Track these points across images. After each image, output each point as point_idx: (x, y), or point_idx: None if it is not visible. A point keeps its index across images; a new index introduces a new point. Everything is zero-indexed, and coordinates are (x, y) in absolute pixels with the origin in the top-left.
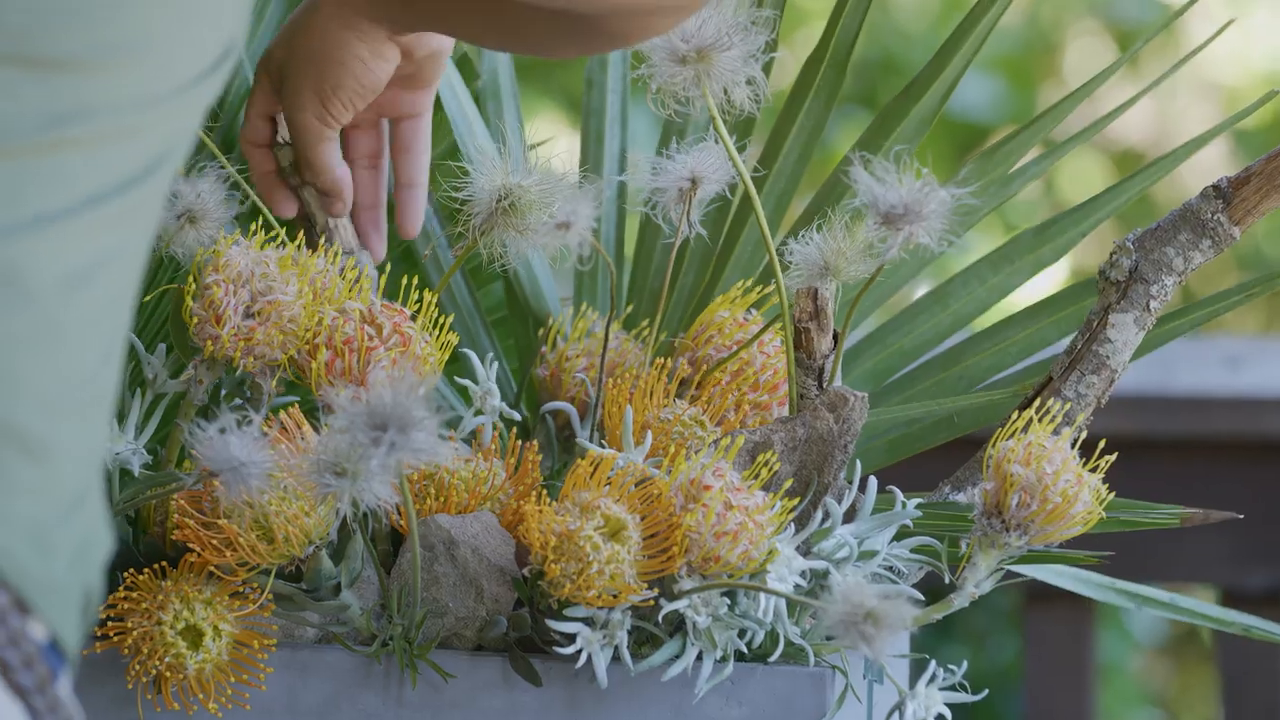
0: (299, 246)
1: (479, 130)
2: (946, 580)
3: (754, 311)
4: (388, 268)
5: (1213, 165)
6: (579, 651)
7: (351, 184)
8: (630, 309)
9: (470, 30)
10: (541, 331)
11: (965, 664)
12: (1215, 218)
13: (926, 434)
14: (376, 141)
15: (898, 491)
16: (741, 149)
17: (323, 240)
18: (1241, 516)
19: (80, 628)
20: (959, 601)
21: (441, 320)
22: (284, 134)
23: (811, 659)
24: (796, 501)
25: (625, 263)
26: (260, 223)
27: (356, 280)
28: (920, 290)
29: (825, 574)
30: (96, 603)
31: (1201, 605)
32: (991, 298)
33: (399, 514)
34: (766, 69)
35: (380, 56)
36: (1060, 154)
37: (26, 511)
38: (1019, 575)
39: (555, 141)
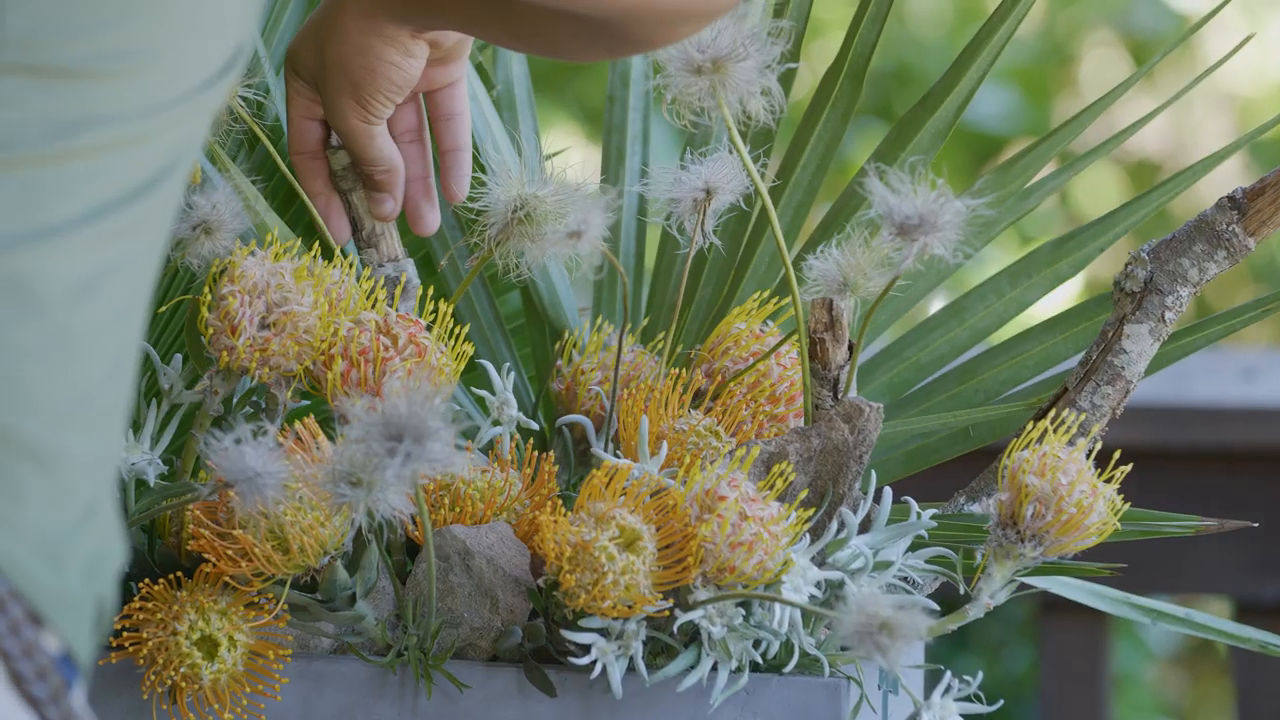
0: (315, 257)
1: (501, 139)
2: (961, 591)
3: (770, 323)
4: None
5: (1228, 176)
6: (594, 662)
7: (404, 174)
8: (648, 321)
9: (490, 32)
10: (558, 345)
11: (980, 674)
12: (1230, 229)
13: (943, 446)
14: (416, 115)
15: (913, 502)
16: (757, 159)
17: (367, 247)
18: (1256, 525)
19: (93, 639)
20: (974, 612)
21: (457, 330)
22: (336, 139)
23: (827, 669)
24: (811, 512)
25: (645, 275)
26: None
27: (378, 290)
28: (937, 304)
29: (840, 584)
30: (109, 614)
31: (1217, 621)
32: (1009, 312)
33: (414, 524)
34: (788, 81)
35: (410, 55)
36: (1078, 169)
37: (37, 523)
38: (1034, 586)
39: (571, 152)
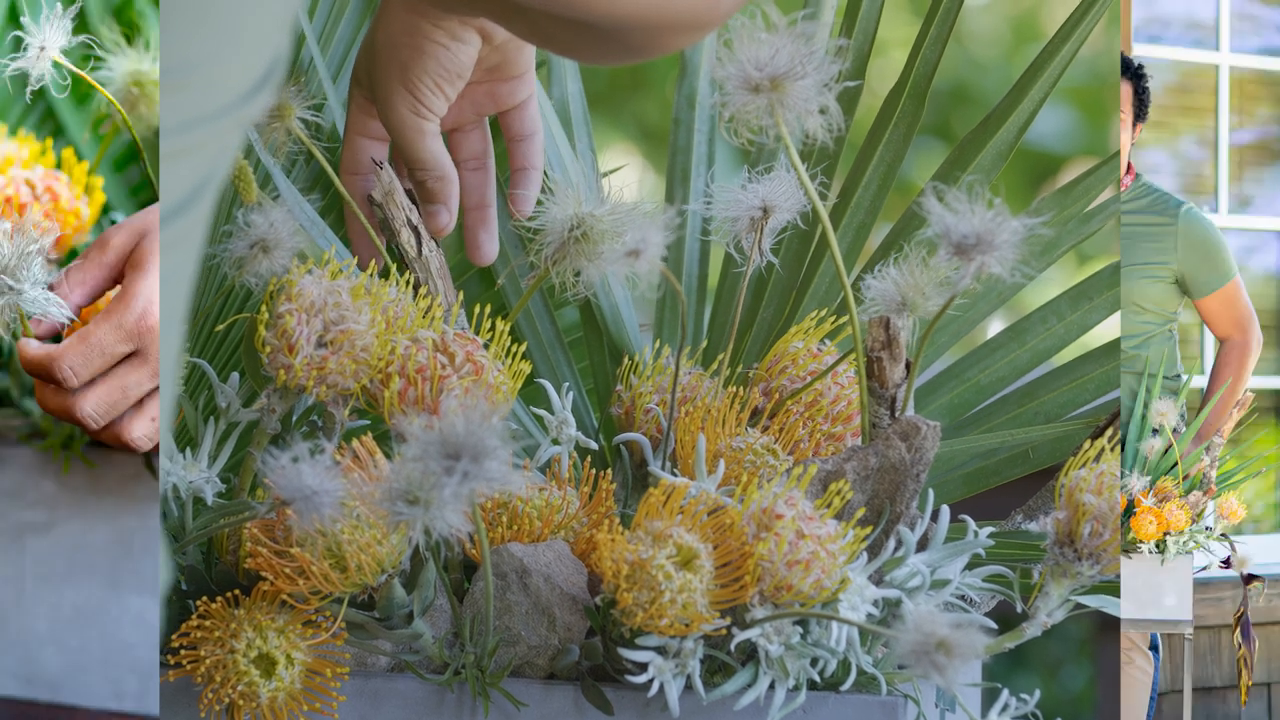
0: (371, 275)
1: (566, 155)
2: (1019, 609)
3: (828, 342)
4: (461, 296)
5: None
6: (651, 680)
7: (458, 184)
8: (707, 343)
9: (518, 27)
10: (618, 371)
11: (1038, 693)
12: None
13: (1003, 468)
14: (481, 142)
15: (970, 521)
16: (815, 177)
17: (406, 274)
18: None
19: None
20: (1031, 630)
21: (515, 348)
22: (380, 157)
23: (884, 688)
24: (869, 530)
25: (709, 295)
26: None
27: (434, 308)
28: (997, 326)
29: (898, 603)
30: None
31: None
32: (1069, 334)
33: (472, 542)
34: (854, 100)
35: (459, 39)
36: None
37: None
38: (1090, 606)
39: (628, 171)
